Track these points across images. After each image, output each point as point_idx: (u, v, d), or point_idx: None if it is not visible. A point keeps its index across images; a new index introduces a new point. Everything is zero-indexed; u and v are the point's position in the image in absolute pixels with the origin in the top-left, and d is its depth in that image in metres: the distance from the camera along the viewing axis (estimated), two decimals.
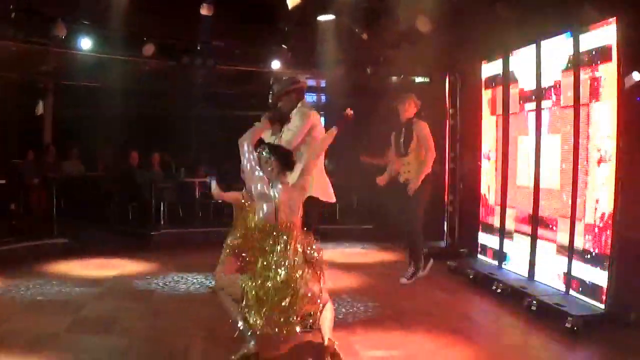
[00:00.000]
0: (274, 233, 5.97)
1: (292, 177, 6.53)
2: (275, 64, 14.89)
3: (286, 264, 5.85)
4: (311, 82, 19.18)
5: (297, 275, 5.83)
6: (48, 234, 12.75)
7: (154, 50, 13.31)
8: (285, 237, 5.96)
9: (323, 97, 19.77)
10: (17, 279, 9.61)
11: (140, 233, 14.17)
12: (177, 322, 7.70)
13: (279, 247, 5.92)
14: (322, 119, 16.85)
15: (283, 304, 5.74)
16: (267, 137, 7.23)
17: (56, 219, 13.42)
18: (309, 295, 5.89)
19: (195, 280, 9.89)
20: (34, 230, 12.98)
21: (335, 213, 15.88)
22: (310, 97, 19.90)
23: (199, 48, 14.11)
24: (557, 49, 8.81)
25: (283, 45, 14.48)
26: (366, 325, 7.66)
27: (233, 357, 6.04)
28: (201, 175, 15.82)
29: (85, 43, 12.85)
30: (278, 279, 5.78)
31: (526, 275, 9.37)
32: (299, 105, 7.44)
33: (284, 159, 6.33)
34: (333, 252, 12.08)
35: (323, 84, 18.85)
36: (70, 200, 15.34)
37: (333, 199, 7.52)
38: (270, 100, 7.53)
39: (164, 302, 8.67)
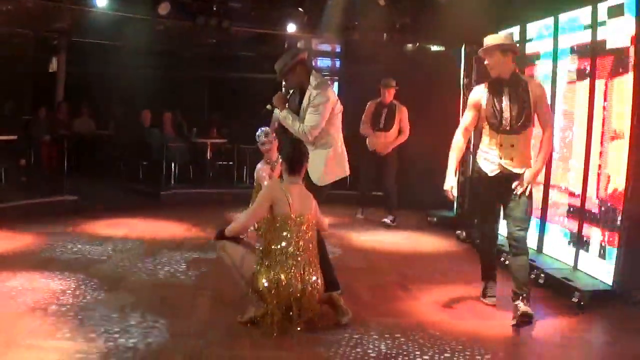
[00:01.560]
0: (289, 225, 6.15)
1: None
2: (291, 27, 14.84)
3: (299, 259, 6.07)
4: (326, 47, 19.11)
5: (308, 275, 6.07)
6: (58, 191, 12.75)
7: (169, 9, 13.25)
8: (298, 230, 6.16)
9: (337, 62, 19.69)
10: (26, 235, 9.65)
11: (150, 192, 14.17)
12: (183, 281, 7.76)
13: (293, 241, 6.12)
14: (336, 84, 16.93)
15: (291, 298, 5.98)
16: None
17: (66, 176, 13.42)
18: (315, 294, 6.13)
19: (203, 240, 9.89)
20: (44, 187, 12.98)
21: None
22: (324, 62, 19.84)
23: (214, 8, 14.04)
24: (574, 22, 8.74)
25: (299, 9, 14.40)
26: (373, 291, 7.70)
27: (239, 317, 6.08)
28: (213, 136, 15.83)
29: (101, 0, 12.81)
30: (291, 272, 5.99)
31: (535, 248, 9.35)
32: (312, 78, 7.09)
33: (289, 162, 6.45)
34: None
35: (338, 48, 18.77)
36: (81, 158, 15.36)
37: (348, 172, 7.48)
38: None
39: (172, 260, 8.67)
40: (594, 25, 8.22)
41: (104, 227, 10.71)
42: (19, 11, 12.84)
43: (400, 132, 11.99)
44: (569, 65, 8.88)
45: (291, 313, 5.98)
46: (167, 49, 17.07)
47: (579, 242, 8.31)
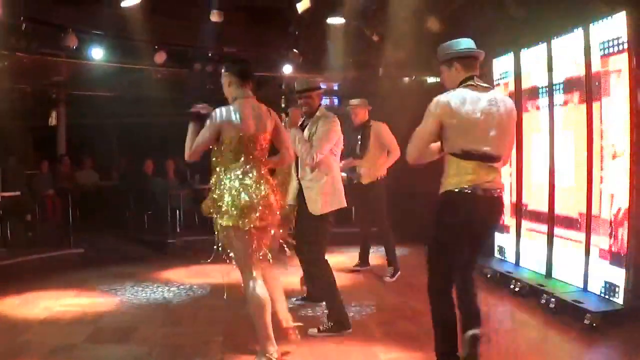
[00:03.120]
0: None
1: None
2: (287, 69, 14.92)
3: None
4: (323, 85, 19.19)
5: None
6: (64, 245, 12.77)
7: (165, 58, 13.35)
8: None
9: (335, 100, 19.76)
10: (34, 290, 9.62)
11: (156, 241, 14.18)
12: (196, 329, 7.70)
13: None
14: None
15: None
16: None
17: (72, 229, 13.45)
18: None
19: (212, 287, 9.86)
20: (50, 241, 13.01)
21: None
22: (323, 101, 19.91)
23: (210, 55, 14.14)
24: (568, 45, 8.79)
25: (294, 50, 14.49)
26: (383, 327, 7.66)
27: None
28: None
29: (97, 53, 12.93)
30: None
31: (544, 273, 9.34)
32: (321, 109, 7.53)
33: (239, 71, 6.32)
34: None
35: (335, 86, 18.86)
36: (86, 210, 15.40)
37: (345, 204, 7.57)
38: (284, 103, 7.60)
39: (183, 309, 8.66)
40: (587, 48, 8.28)
41: (112, 278, 10.69)
42: (16, 66, 12.94)
43: (388, 153, 10.35)
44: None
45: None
46: (166, 96, 17.17)
47: (587, 263, 8.30)
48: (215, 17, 11.86)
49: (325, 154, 7.22)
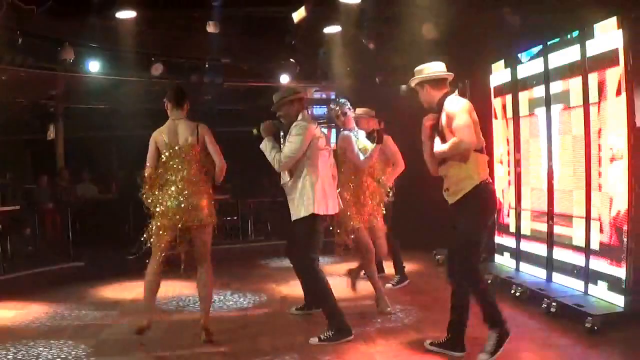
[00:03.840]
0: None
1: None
2: (284, 78, 14.93)
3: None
4: (321, 95, 19.21)
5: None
6: (65, 259, 12.77)
7: (162, 69, 13.37)
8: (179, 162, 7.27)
9: None
10: (35, 304, 9.63)
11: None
12: (194, 342, 7.59)
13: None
14: (333, 131, 16.97)
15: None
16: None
17: (72, 242, 13.44)
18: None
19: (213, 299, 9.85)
20: (51, 255, 13.00)
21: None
22: (320, 110, 19.93)
23: (207, 66, 14.16)
24: (564, 49, 8.83)
25: (291, 59, 14.51)
26: (386, 335, 7.61)
27: None
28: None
29: (94, 65, 12.94)
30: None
31: (544, 278, 9.35)
32: (300, 116, 7.41)
33: (174, 97, 7.50)
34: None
35: (332, 96, 18.87)
36: (85, 223, 15.39)
37: (337, 210, 7.63)
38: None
39: (183, 322, 8.65)
40: (582, 50, 8.32)
41: (113, 291, 10.69)
42: (13, 80, 12.96)
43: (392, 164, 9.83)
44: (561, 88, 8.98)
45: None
46: (164, 108, 17.17)
47: (587, 266, 8.31)
48: (211, 28, 11.87)
49: (305, 159, 7.24)
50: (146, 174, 7.31)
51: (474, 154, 6.21)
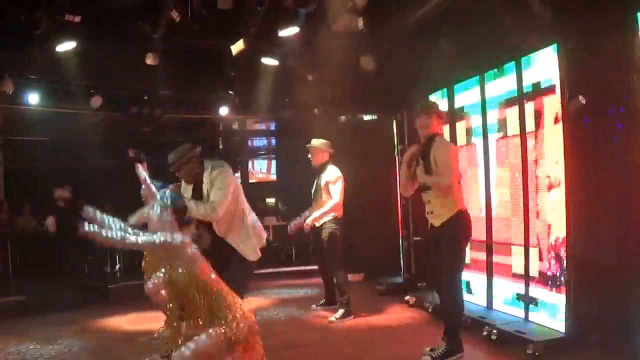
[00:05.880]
0: None
1: None
2: (223, 110, 14.93)
3: None
4: (260, 126, 19.26)
5: None
6: (5, 292, 12.56)
7: (101, 102, 13.28)
8: None
9: (273, 140, 19.84)
10: None
11: (97, 287, 14.00)
12: None
13: None
14: (274, 162, 16.98)
15: None
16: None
17: (12, 276, 13.24)
18: None
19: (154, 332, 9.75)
20: None
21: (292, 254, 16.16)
22: (260, 142, 20.00)
23: (145, 98, 14.10)
24: (501, 80, 8.99)
25: (229, 91, 14.51)
26: None
27: None
28: None
29: (33, 98, 12.82)
30: None
31: (485, 305, 9.44)
32: (206, 163, 7.32)
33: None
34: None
35: (272, 127, 18.94)
36: (26, 256, 15.19)
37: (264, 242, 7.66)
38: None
39: (125, 355, 8.55)
40: (519, 79, 8.48)
41: (54, 325, 10.53)
42: None
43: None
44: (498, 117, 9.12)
45: None
46: (103, 140, 17.06)
47: (527, 293, 8.42)
48: (150, 60, 11.83)
49: (235, 204, 7.30)
50: None
51: (455, 186, 7.32)
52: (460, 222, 7.38)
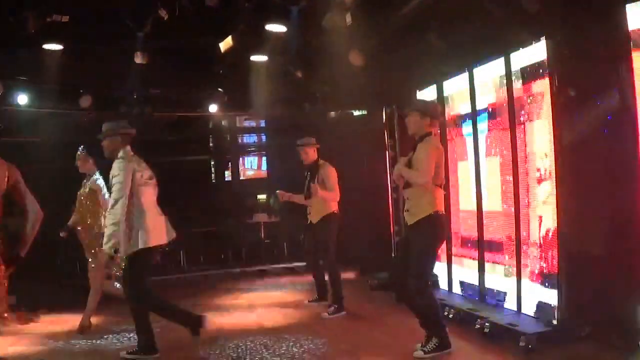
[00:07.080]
0: None
1: None
2: (213, 108, 14.92)
3: None
4: (250, 123, 19.21)
5: None
6: None
7: (91, 101, 13.25)
8: None
9: (263, 137, 19.78)
10: None
11: (87, 285, 13.92)
12: None
13: None
14: (264, 159, 16.97)
15: None
16: None
17: None
18: None
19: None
20: None
21: (284, 251, 16.13)
22: (250, 138, 19.94)
23: (135, 97, 14.07)
24: (490, 72, 8.99)
25: (219, 89, 14.49)
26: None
27: None
28: None
29: (22, 99, 12.80)
30: None
31: (477, 298, 9.45)
32: (121, 152, 7.70)
33: None
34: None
35: (262, 123, 18.90)
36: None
37: (165, 241, 7.89)
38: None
39: (117, 353, 8.53)
40: (508, 76, 8.49)
41: (46, 325, 10.51)
42: None
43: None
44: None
45: None
46: (93, 140, 17.02)
47: (519, 285, 8.43)
48: (139, 59, 11.79)
49: (132, 197, 7.59)
50: None
51: (433, 187, 7.23)
52: (431, 225, 7.27)
